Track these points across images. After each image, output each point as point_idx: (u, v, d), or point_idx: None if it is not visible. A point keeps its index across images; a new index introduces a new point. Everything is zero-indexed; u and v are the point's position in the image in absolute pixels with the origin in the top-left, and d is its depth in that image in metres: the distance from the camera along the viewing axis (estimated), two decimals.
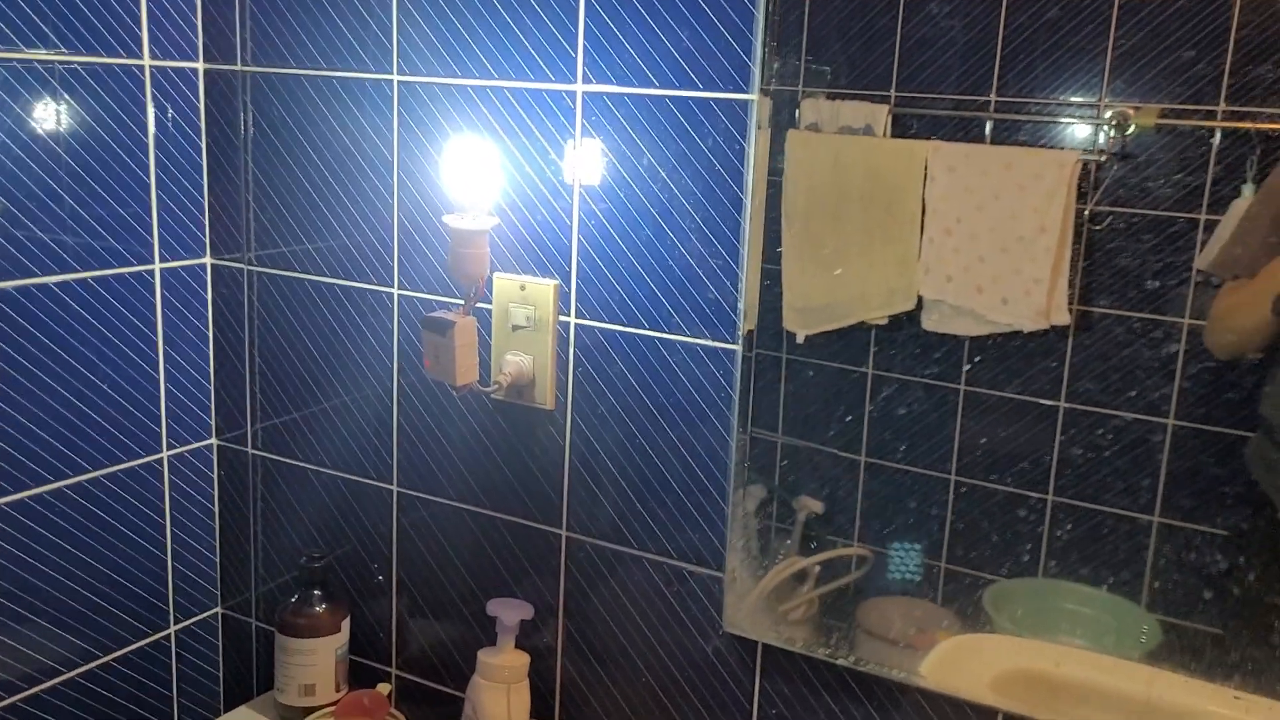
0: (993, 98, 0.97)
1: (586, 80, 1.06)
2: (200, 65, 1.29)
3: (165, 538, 1.34)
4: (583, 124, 1.07)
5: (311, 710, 1.25)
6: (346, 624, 1.29)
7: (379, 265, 1.21)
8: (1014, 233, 0.98)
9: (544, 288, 1.11)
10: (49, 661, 1.23)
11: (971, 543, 1.03)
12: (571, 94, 1.07)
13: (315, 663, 1.26)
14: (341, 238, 1.23)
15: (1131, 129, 0.91)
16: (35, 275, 1.15)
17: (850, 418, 1.07)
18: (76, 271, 1.19)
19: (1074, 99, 0.93)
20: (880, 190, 1.05)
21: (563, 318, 1.12)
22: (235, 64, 1.27)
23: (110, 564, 1.28)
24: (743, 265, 1.02)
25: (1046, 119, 0.95)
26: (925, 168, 1.00)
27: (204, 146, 1.31)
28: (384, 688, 1.29)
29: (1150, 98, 0.90)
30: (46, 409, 1.18)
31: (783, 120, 1.03)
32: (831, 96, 1.04)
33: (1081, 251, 0.94)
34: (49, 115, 1.14)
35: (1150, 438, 0.95)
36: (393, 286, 1.21)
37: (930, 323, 1.03)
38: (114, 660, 1.30)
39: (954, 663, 1.04)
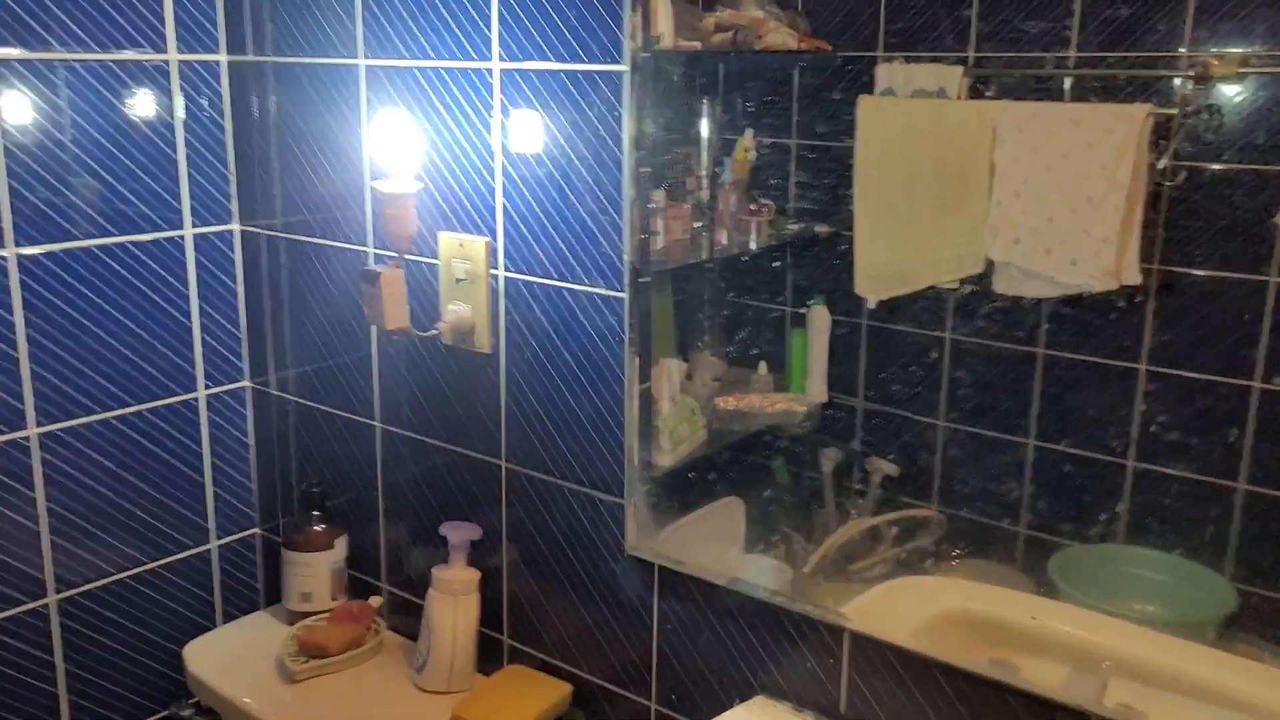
0: (1072, 54, 0.96)
1: (502, 59, 1.19)
2: (223, 58, 1.49)
3: (205, 465, 1.56)
4: (501, 99, 1.20)
5: (309, 614, 1.45)
6: (342, 542, 1.47)
7: (356, 227, 1.38)
8: (1083, 192, 0.96)
9: (477, 244, 1.25)
10: (105, 565, 1.47)
11: (1047, 507, 1.04)
12: (490, 71, 1.20)
13: (312, 574, 1.45)
14: (330, 204, 1.41)
15: (1212, 80, 0.89)
16: (88, 238, 1.38)
17: (925, 382, 1.10)
18: (115, 236, 1.41)
19: (1153, 52, 0.92)
20: (950, 154, 1.06)
21: (493, 271, 1.25)
22: (247, 54, 1.46)
23: (156, 485, 1.51)
24: (625, 221, 1.12)
25: (1124, 73, 0.93)
26: (994, 129, 1.00)
27: (228, 128, 1.51)
28: (375, 600, 1.47)
29: (1232, 46, 0.87)
30: (97, 353, 1.41)
31: (857, 86, 1.07)
32: (908, 60, 1.06)
33: (1159, 209, 0.92)
34: (101, 107, 1.36)
35: (1234, 401, 0.92)
36: (368, 246, 1.38)
37: (1000, 286, 1.03)
38: (161, 567, 1.53)
39: (885, 604, 1.09)
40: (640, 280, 1.13)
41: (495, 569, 1.34)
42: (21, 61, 1.30)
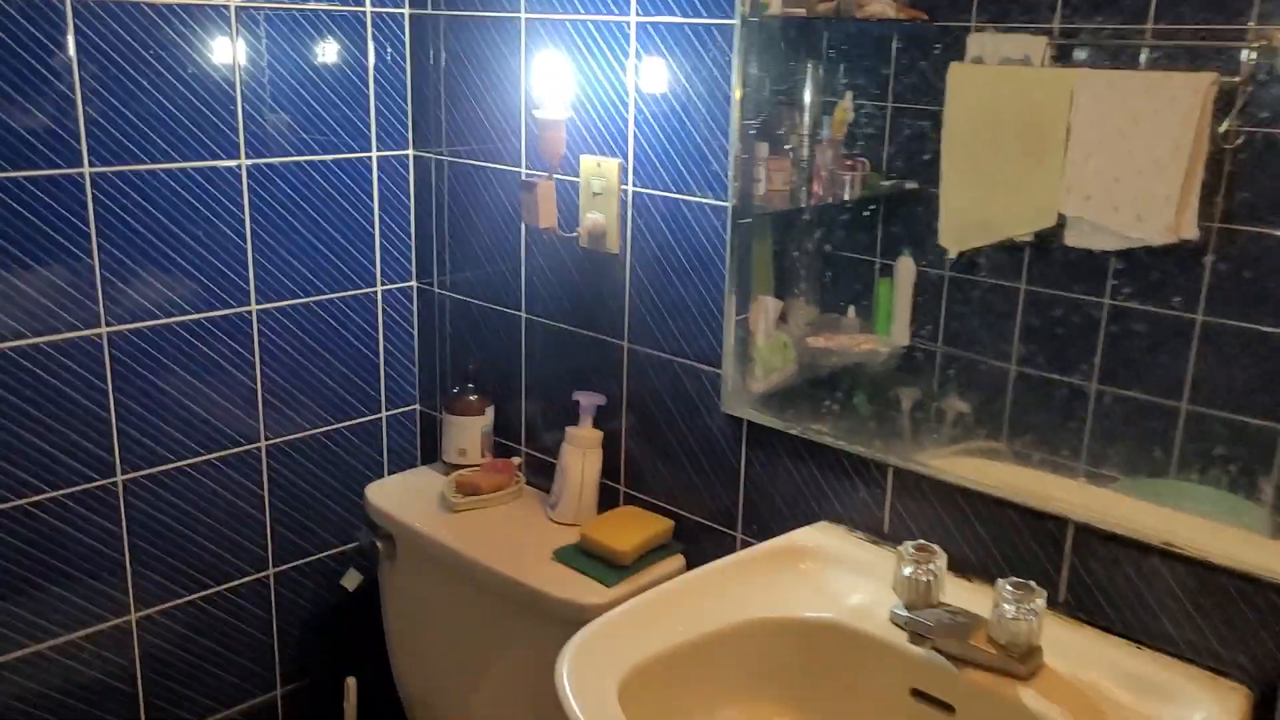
0: (1148, 25, 1.04)
1: (638, 13, 1.49)
2: (407, 11, 1.82)
3: (379, 349, 1.92)
4: (636, 46, 1.50)
5: (462, 466, 1.79)
6: (490, 410, 1.81)
7: (513, 152, 1.71)
8: (1149, 154, 1.04)
9: (611, 164, 1.56)
10: (301, 422, 1.84)
11: (1104, 443, 1.16)
12: (628, 23, 1.50)
13: (467, 434, 1.80)
14: (491, 133, 1.73)
15: (1276, 52, 0.97)
16: (298, 154, 1.73)
17: (998, 328, 1.21)
18: (319, 155, 1.77)
19: (1224, 25, 0.99)
20: (1030, 117, 1.15)
21: (624, 186, 1.56)
22: (427, 9, 1.79)
23: (342, 361, 1.87)
24: (732, 145, 1.42)
25: (1194, 43, 1.01)
26: (1071, 95, 1.09)
27: (409, 67, 1.85)
28: (516, 460, 1.81)
29: None
30: (299, 248, 1.77)
31: (946, 55, 1.18)
32: (997, 30, 1.15)
33: (1222, 171, 0.99)
34: (307, 50, 1.71)
35: None
36: (521, 168, 1.70)
37: (1071, 239, 1.12)
38: (344, 428, 1.89)
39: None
40: (742, 199, 1.42)
41: (615, 431, 1.66)
42: (262, 9, 1.65)
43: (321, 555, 1.91)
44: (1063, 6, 1.11)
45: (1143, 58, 1.06)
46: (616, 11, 1.51)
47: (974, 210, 1.23)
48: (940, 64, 1.20)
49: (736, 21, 1.37)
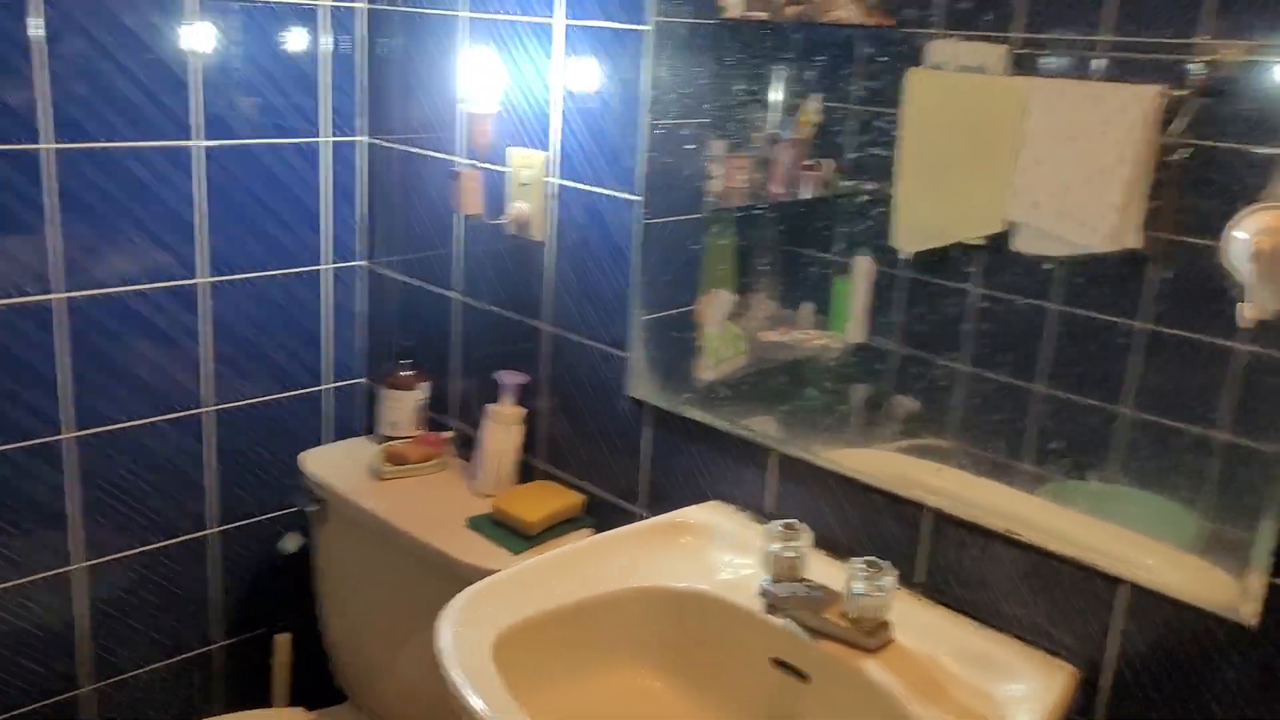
0: (1103, 37, 1.07)
1: (565, 16, 1.57)
2: (365, 5, 1.91)
3: (326, 324, 2.01)
4: (564, 47, 1.59)
5: (395, 438, 1.88)
6: (425, 386, 1.90)
7: (449, 143, 1.79)
8: (1096, 163, 1.06)
9: (537, 156, 1.65)
10: (248, 390, 1.93)
11: (1047, 445, 1.19)
12: (553, 26, 1.59)
13: (400, 408, 1.89)
14: (434, 123, 1.82)
15: (1221, 66, 0.98)
16: (253, 138, 1.82)
17: (949, 329, 1.24)
18: (272, 139, 1.86)
19: (1172, 39, 1.02)
20: (984, 124, 1.18)
21: (548, 178, 1.65)
22: (381, 4, 1.88)
23: (289, 334, 1.96)
24: (640, 143, 1.50)
25: (1143, 55, 1.04)
26: (1024, 103, 1.11)
27: (363, 59, 1.93)
28: (447, 434, 1.90)
29: (1239, 36, 0.97)
30: (252, 226, 1.86)
31: (907, 61, 1.21)
32: (965, 38, 1.18)
33: (1167, 182, 1.02)
34: (265, 39, 1.80)
35: (1219, 360, 1.02)
36: (458, 156, 1.79)
37: (1020, 243, 1.15)
38: (288, 397, 1.99)
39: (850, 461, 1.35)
40: (649, 195, 1.51)
41: (536, 409, 1.75)
42: (221, 5, 1.74)
43: (262, 517, 2.00)
44: (1025, 16, 1.14)
45: (1095, 68, 1.09)
46: (546, 14, 1.60)
47: (927, 213, 1.27)
48: (901, 69, 1.23)
49: (649, 27, 1.46)
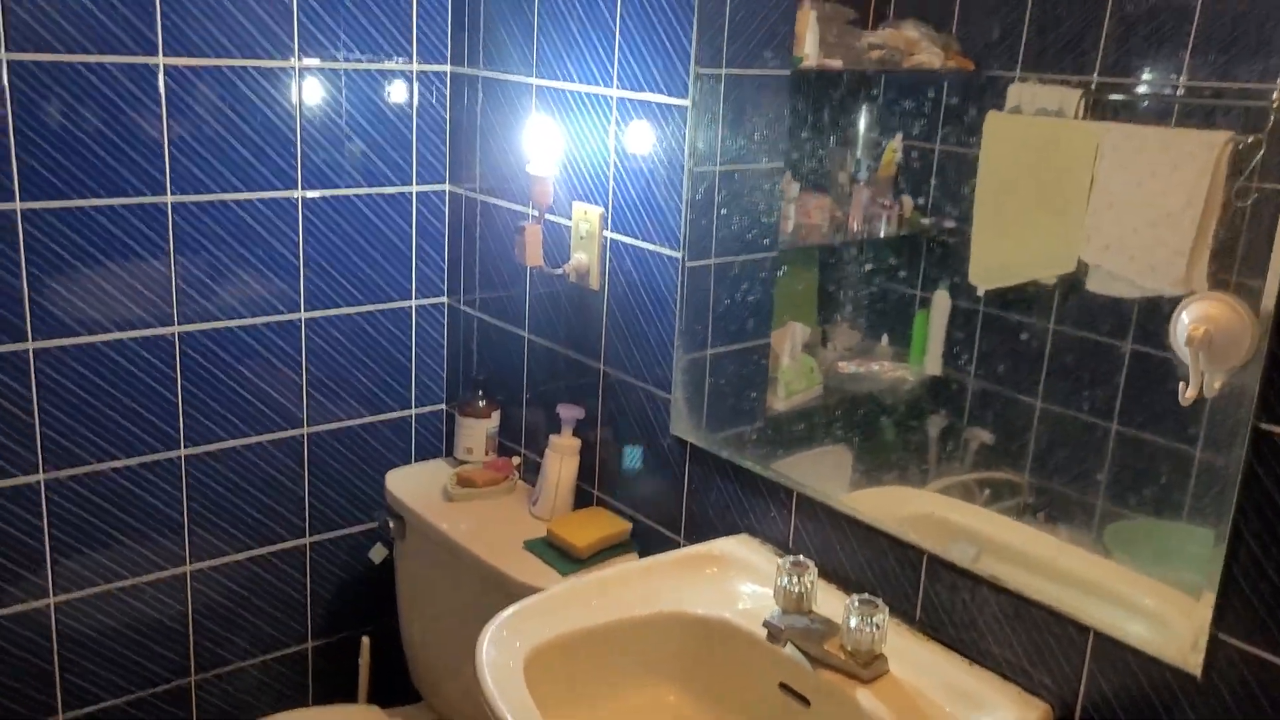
0: (1181, 82, 1.09)
1: (619, 88, 1.73)
2: (448, 69, 2.11)
3: (412, 355, 2.21)
4: (616, 115, 1.75)
5: (468, 462, 2.07)
6: (496, 415, 2.08)
7: (522, 193, 1.97)
8: (1164, 207, 1.08)
9: (595, 212, 1.81)
10: (340, 414, 2.14)
11: (1118, 483, 1.20)
12: (610, 97, 1.75)
13: (473, 435, 2.07)
14: (507, 177, 2.00)
15: None
16: (349, 188, 2.03)
17: (1025, 364, 1.27)
18: (365, 188, 2.06)
19: (1247, 84, 1.03)
20: (1059, 166, 1.21)
21: (604, 233, 1.81)
22: (465, 68, 2.07)
23: (379, 364, 2.17)
24: (684, 206, 1.65)
25: (1215, 102, 1.06)
26: (1098, 147, 1.14)
27: (448, 115, 2.13)
28: (516, 460, 2.07)
29: None
30: (346, 266, 2.07)
31: (986, 103, 1.25)
32: (1041, 81, 1.22)
33: (1237, 227, 1.03)
34: (365, 99, 2.01)
35: None
36: (529, 208, 1.96)
37: (1093, 284, 1.18)
38: (377, 421, 2.20)
39: (871, 500, 1.44)
40: (689, 254, 1.65)
41: (592, 441, 1.91)
42: (323, 69, 1.95)
43: (351, 530, 2.22)
44: (1100, 60, 1.17)
45: (1167, 112, 1.11)
46: (603, 85, 1.76)
47: (1002, 251, 1.31)
48: (980, 112, 1.27)
49: (688, 102, 1.60)
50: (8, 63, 1.66)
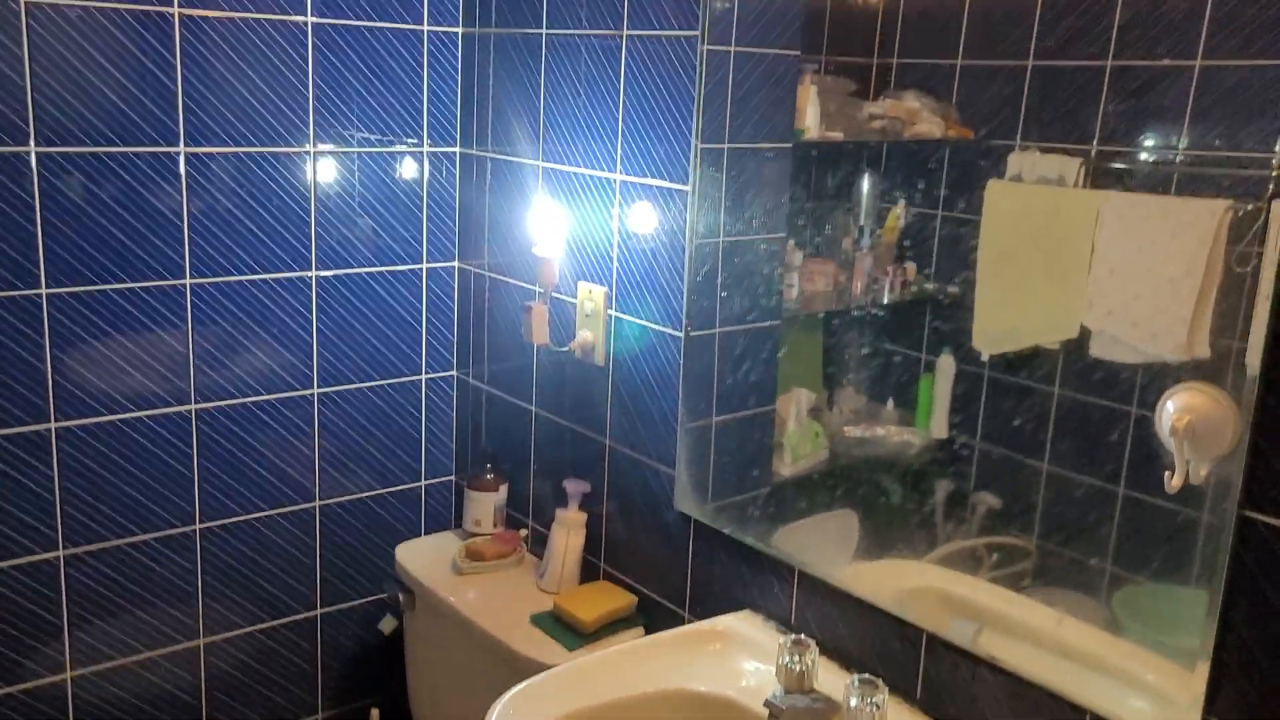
0: (1181, 149, 1.11)
1: (622, 173, 1.79)
2: (458, 150, 2.17)
3: (422, 427, 2.26)
4: (620, 199, 1.80)
5: (477, 534, 2.10)
6: (504, 488, 2.12)
7: (527, 271, 2.02)
8: (1165, 274, 1.10)
9: (599, 291, 1.86)
10: (351, 487, 2.18)
11: (1127, 547, 1.21)
12: (614, 180, 1.81)
13: (482, 508, 2.11)
14: (514, 256, 2.06)
15: None
16: (361, 266, 2.09)
17: (1031, 428, 1.28)
18: (377, 266, 2.12)
19: (1246, 153, 1.05)
20: (1060, 233, 1.23)
21: (609, 311, 1.85)
22: (474, 149, 2.14)
23: (389, 437, 2.21)
24: (685, 284, 1.69)
25: (1219, 171, 1.07)
26: (1098, 214, 1.16)
27: (457, 194, 2.19)
28: (523, 532, 2.11)
29: None
30: (358, 341, 2.12)
31: (987, 172, 1.28)
32: (1041, 150, 1.24)
33: (1239, 293, 1.04)
34: (376, 179, 2.08)
35: None
36: (535, 285, 2.01)
37: (1096, 350, 1.19)
38: (387, 493, 2.23)
39: (873, 574, 1.47)
40: (691, 332, 1.70)
41: (598, 514, 1.94)
42: (336, 152, 2.02)
43: (362, 601, 2.25)
44: (1100, 129, 1.19)
45: (1167, 181, 1.12)
46: (606, 170, 1.82)
47: (1005, 317, 1.33)
48: (981, 179, 1.30)
49: (689, 188, 1.66)
50: (36, 155, 1.73)
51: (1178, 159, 1.13)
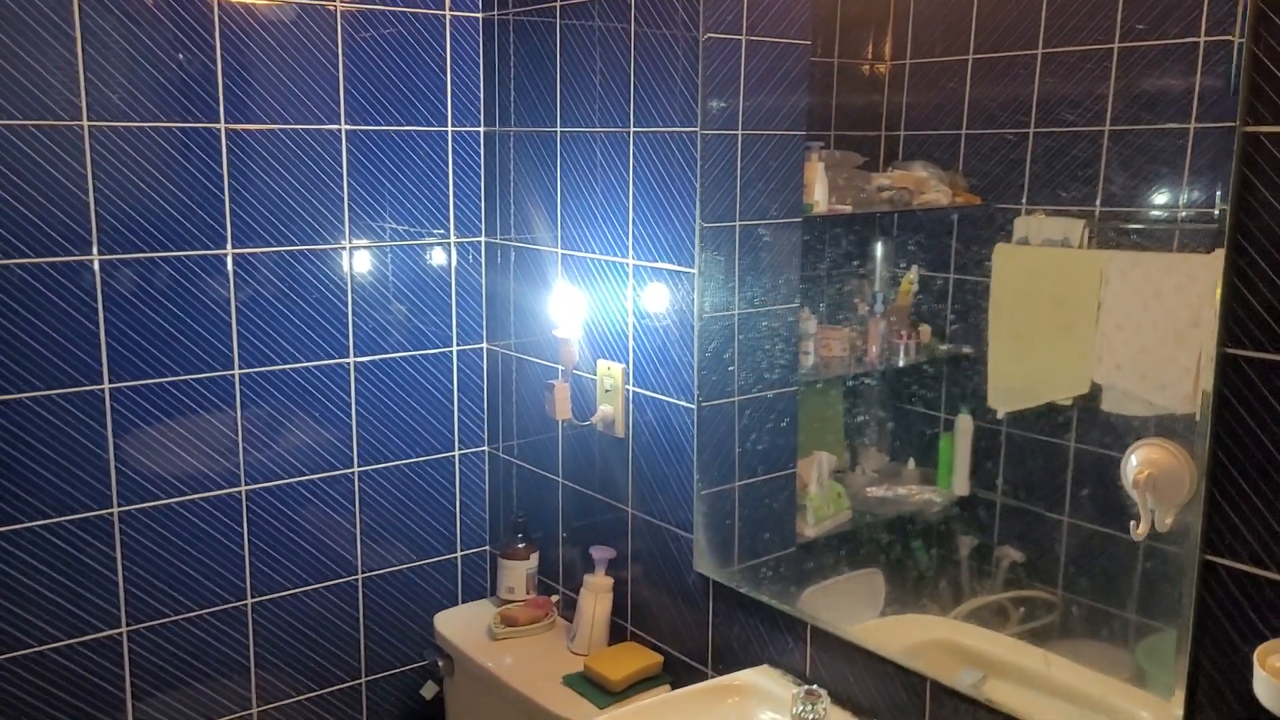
0: (1179, 211, 1.16)
1: (634, 258, 1.93)
2: (483, 240, 2.33)
3: (456, 500, 2.38)
4: (633, 280, 1.94)
5: (510, 601, 2.21)
6: (535, 556, 2.23)
7: (550, 351, 2.16)
8: (1171, 327, 1.15)
9: (617, 368, 1.99)
10: (390, 559, 2.30)
11: (1150, 597, 1.25)
12: (627, 265, 1.94)
13: (514, 576, 2.22)
14: (538, 336, 2.19)
15: None
16: (395, 351, 2.24)
17: (1051, 482, 1.32)
18: (410, 351, 2.27)
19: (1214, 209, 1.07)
20: (1067, 292, 1.28)
21: (627, 386, 1.98)
22: (498, 239, 2.29)
23: (425, 510, 2.34)
24: (694, 359, 1.82)
25: (1212, 226, 1.08)
26: (1103, 273, 1.21)
27: (483, 281, 2.34)
28: (555, 597, 2.21)
29: None
30: (394, 421, 2.26)
31: (994, 235, 1.33)
32: (1047, 213, 1.29)
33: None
34: (407, 268, 2.23)
35: None
36: (558, 364, 2.15)
37: (1108, 404, 1.23)
38: (426, 564, 2.35)
39: (883, 629, 1.54)
40: (703, 403, 1.82)
41: (623, 578, 2.05)
42: (371, 246, 2.18)
43: (404, 668, 2.36)
44: (1102, 191, 1.25)
45: (1172, 236, 1.16)
46: (619, 255, 1.96)
47: (1018, 375, 1.38)
48: (989, 243, 1.35)
49: (695, 270, 1.79)
50: (99, 262, 1.90)
51: (1179, 215, 1.18)
